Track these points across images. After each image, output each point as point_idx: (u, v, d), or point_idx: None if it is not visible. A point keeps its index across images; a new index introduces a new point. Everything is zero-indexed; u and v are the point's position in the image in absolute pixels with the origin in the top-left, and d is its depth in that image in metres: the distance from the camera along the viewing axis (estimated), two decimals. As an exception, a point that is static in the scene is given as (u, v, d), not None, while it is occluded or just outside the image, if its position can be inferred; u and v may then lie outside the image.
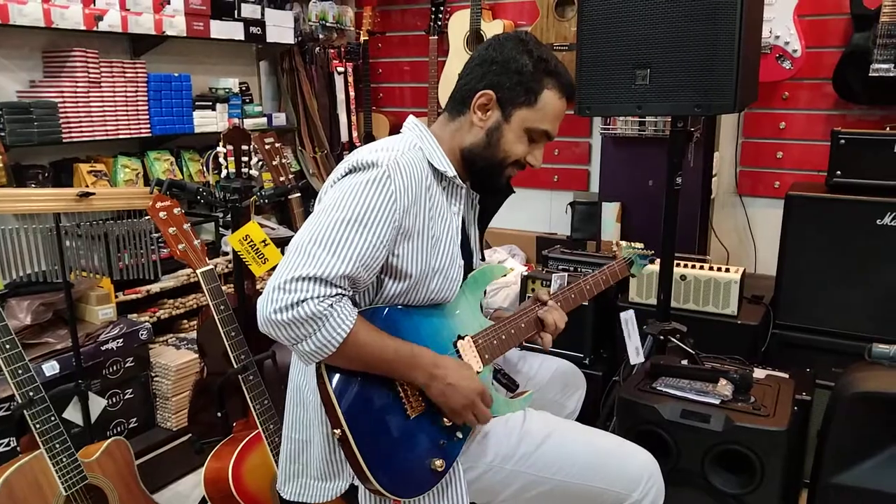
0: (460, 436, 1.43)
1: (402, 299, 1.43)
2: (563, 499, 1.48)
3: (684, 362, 2.09)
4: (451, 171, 1.46)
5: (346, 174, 1.38)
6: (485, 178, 1.54)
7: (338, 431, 1.30)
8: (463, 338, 1.48)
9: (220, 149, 2.19)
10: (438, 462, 1.37)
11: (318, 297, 1.23)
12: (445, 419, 1.41)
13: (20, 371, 1.67)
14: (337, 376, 1.32)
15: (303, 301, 1.22)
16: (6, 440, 2.14)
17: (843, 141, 2.47)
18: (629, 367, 2.30)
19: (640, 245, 2.03)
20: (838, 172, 2.48)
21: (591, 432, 1.55)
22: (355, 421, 1.30)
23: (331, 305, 1.25)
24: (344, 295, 1.29)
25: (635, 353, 2.08)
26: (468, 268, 1.58)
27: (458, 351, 1.47)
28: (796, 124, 3.21)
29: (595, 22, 2.02)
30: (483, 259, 1.71)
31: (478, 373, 1.46)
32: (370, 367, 1.33)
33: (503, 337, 1.55)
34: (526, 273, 2.85)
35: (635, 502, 1.46)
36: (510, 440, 1.46)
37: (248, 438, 1.88)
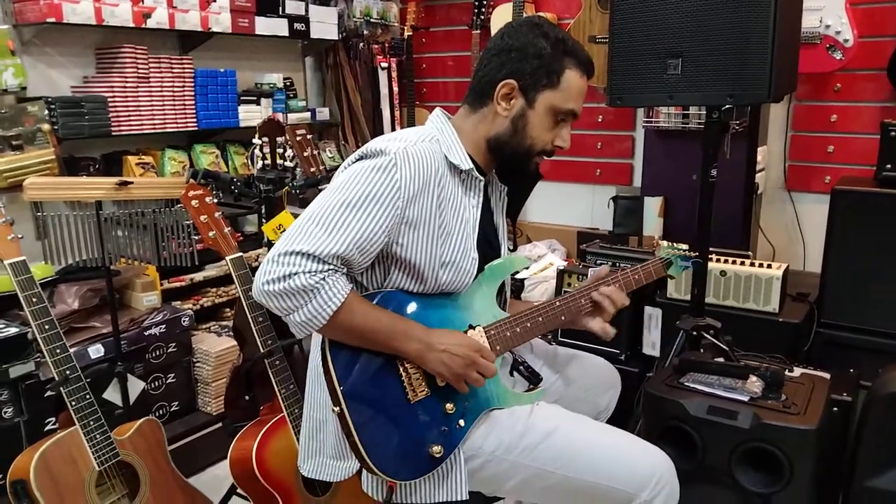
0: (463, 424, 1.43)
1: (411, 288, 1.44)
2: (568, 494, 1.45)
3: (719, 360, 2.04)
4: (465, 165, 1.46)
5: (357, 160, 1.41)
6: (513, 165, 1.55)
7: (337, 408, 1.34)
8: (474, 327, 1.48)
9: (256, 140, 2.25)
10: (437, 448, 1.38)
11: (308, 272, 1.28)
12: (448, 405, 1.41)
13: (58, 350, 1.75)
14: (340, 355, 1.35)
15: (294, 274, 1.27)
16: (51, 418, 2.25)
17: (893, 133, 2.37)
18: (662, 364, 2.25)
19: (683, 246, 1.90)
20: (888, 166, 2.39)
21: (601, 428, 1.51)
22: (353, 399, 1.34)
23: (322, 279, 1.29)
24: (336, 270, 1.32)
25: (651, 346, 2.07)
26: (495, 259, 1.57)
27: None
28: (848, 117, 3.08)
29: (628, 11, 2.00)
30: (514, 249, 1.70)
31: None
32: (364, 341, 1.36)
33: (517, 329, 1.53)
34: (563, 267, 2.82)
35: (644, 503, 1.41)
36: (514, 432, 1.45)
37: (272, 422, 1.92)
